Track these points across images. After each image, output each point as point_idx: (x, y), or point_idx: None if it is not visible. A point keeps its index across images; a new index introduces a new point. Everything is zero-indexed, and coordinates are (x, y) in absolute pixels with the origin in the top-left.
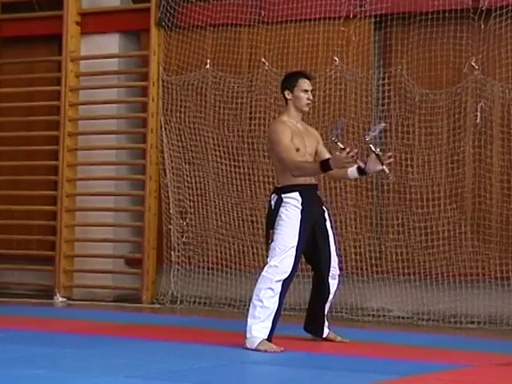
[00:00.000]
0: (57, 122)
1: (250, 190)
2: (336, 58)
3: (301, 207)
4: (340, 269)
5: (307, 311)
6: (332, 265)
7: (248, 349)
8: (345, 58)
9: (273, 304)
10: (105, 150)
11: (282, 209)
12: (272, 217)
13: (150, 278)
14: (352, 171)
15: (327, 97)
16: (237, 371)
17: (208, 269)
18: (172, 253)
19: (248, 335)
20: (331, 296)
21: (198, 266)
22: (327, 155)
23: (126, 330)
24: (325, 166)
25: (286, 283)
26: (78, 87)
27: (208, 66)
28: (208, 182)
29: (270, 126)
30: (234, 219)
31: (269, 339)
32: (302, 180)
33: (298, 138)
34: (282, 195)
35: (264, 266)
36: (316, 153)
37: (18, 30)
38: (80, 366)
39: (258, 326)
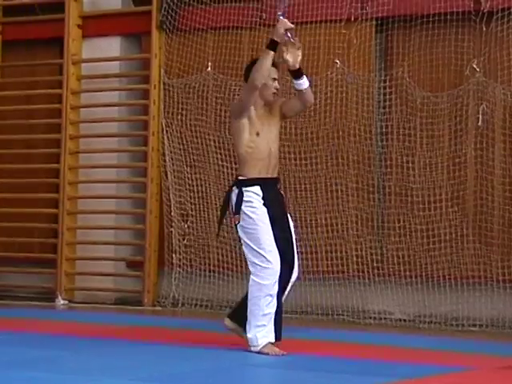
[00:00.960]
0: (58, 125)
1: None
2: (337, 61)
3: (263, 201)
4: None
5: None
6: (294, 268)
7: (251, 351)
8: (346, 61)
9: (272, 307)
10: (106, 153)
11: (245, 208)
12: (229, 209)
13: (152, 281)
14: (300, 84)
15: (328, 99)
16: (238, 374)
17: (209, 271)
18: (173, 255)
19: (254, 343)
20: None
21: (200, 269)
22: (293, 99)
23: (127, 332)
24: (270, 44)
25: (278, 281)
26: (79, 90)
27: (209, 68)
28: (209, 184)
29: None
30: None
31: (276, 339)
32: (263, 173)
33: (260, 122)
34: (243, 189)
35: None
36: (285, 110)
37: (20, 33)
38: (81, 368)
39: (263, 333)
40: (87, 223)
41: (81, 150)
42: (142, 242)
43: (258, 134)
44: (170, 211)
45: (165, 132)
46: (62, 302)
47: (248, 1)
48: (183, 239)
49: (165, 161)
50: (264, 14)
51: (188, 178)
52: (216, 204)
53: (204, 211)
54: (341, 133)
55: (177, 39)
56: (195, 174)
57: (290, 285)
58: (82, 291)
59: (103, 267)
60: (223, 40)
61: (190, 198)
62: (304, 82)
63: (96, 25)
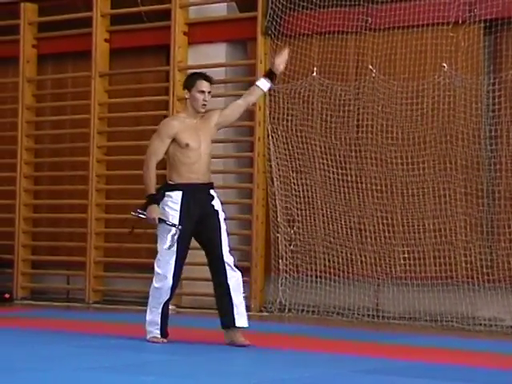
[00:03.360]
0: None
1: (358, 198)
2: (444, 64)
3: (179, 208)
4: (436, 278)
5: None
6: (225, 261)
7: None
8: (453, 64)
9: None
10: (212, 159)
11: (164, 209)
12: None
13: (258, 287)
14: (262, 83)
15: (436, 103)
16: (347, 380)
17: (316, 277)
18: (280, 261)
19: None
20: (234, 290)
21: (306, 275)
22: (232, 104)
23: None
24: (149, 200)
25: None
26: (185, 97)
27: (315, 73)
28: (315, 190)
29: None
30: (341, 227)
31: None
32: (192, 178)
33: (190, 134)
34: (166, 193)
35: (373, 275)
36: (221, 121)
37: (127, 41)
38: (191, 373)
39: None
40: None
41: None
42: (249, 247)
43: (187, 145)
44: (277, 217)
45: (270, 137)
46: (169, 306)
47: (353, 5)
48: (289, 245)
49: (271, 166)
50: (369, 19)
51: (294, 184)
52: (322, 209)
53: (310, 216)
54: (448, 137)
55: (282, 44)
56: (301, 179)
57: (232, 272)
58: (189, 296)
59: (210, 273)
60: (328, 45)
61: (296, 203)
62: (270, 86)
63: (202, 31)
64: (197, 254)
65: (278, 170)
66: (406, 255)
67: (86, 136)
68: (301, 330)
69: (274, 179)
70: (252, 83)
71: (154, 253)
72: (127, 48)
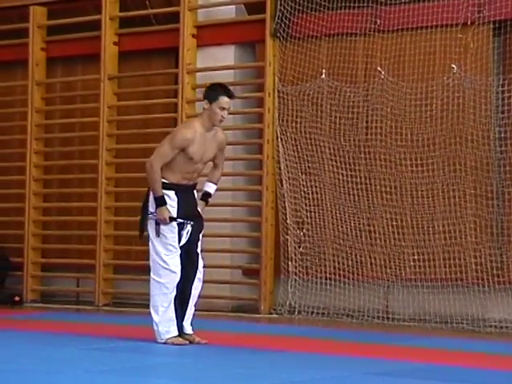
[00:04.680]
0: None
1: (367, 200)
2: (454, 66)
3: (176, 206)
4: (446, 279)
5: None
6: (199, 268)
7: None
8: (463, 66)
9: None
10: None
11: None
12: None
13: (268, 289)
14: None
15: (445, 105)
16: (358, 382)
17: (325, 279)
18: (289, 263)
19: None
20: (192, 299)
21: (316, 277)
22: (219, 162)
23: (244, 340)
24: (158, 201)
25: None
26: (194, 99)
27: (323, 75)
28: (325, 191)
29: (185, 121)
30: (351, 229)
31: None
32: (183, 182)
33: (198, 148)
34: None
35: (383, 277)
36: (214, 157)
37: (136, 44)
38: (200, 375)
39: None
40: (203, 231)
41: None
42: (258, 249)
43: (191, 159)
44: (286, 219)
45: (279, 140)
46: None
47: (362, 7)
48: (299, 247)
49: (280, 168)
50: (378, 20)
51: (303, 186)
52: (331, 211)
53: (319, 218)
54: (458, 138)
55: (291, 47)
56: (310, 181)
57: (198, 282)
58: (199, 299)
59: (219, 275)
60: (337, 47)
61: (306, 205)
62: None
63: (210, 34)
64: (207, 257)
65: (287, 171)
66: (416, 257)
67: (95, 139)
68: (311, 332)
69: (283, 181)
70: (260, 85)
71: None
72: (136, 51)
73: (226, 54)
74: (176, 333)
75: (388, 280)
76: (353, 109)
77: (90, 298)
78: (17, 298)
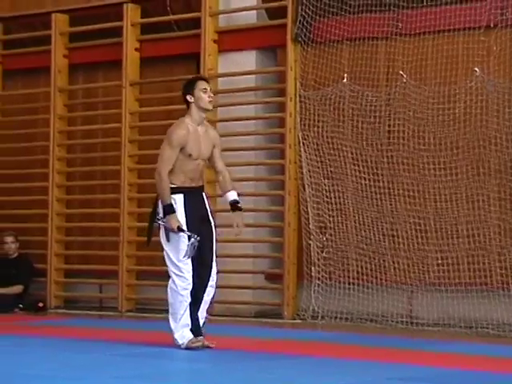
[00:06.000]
0: None
1: (390, 204)
2: (476, 69)
3: (184, 212)
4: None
5: None
6: (212, 274)
7: None
8: (485, 69)
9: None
10: (244, 166)
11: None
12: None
13: (291, 294)
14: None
15: (468, 108)
16: None
17: (349, 284)
18: (312, 268)
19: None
20: (205, 305)
21: (339, 281)
22: (219, 164)
23: (267, 345)
24: (167, 209)
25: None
26: (216, 104)
27: (345, 80)
28: (347, 196)
29: (173, 125)
30: (374, 233)
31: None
32: (188, 182)
33: (194, 144)
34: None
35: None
36: (211, 156)
37: (158, 50)
38: (222, 381)
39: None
40: (226, 237)
41: None
42: (281, 254)
43: (190, 156)
44: (308, 224)
45: (301, 144)
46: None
47: (383, 11)
48: (322, 251)
49: (302, 173)
50: (400, 24)
51: (326, 190)
52: (354, 216)
53: (342, 223)
54: (481, 142)
55: (312, 51)
56: (333, 185)
57: (211, 289)
58: (222, 304)
59: (242, 280)
60: (359, 51)
61: (328, 209)
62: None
63: (232, 39)
64: (229, 262)
65: (310, 176)
66: (440, 261)
67: (117, 145)
68: (334, 338)
69: (306, 186)
70: (282, 90)
71: None
72: (157, 57)
73: (248, 59)
74: (190, 336)
75: (412, 284)
76: (375, 113)
77: (113, 303)
78: (40, 304)
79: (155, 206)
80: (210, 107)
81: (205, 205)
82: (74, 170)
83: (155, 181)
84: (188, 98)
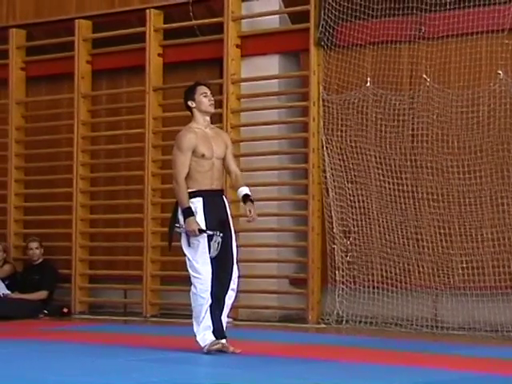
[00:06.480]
0: None
1: (414, 208)
2: (500, 72)
3: (203, 215)
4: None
5: None
6: (233, 278)
7: None
8: (509, 72)
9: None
10: (267, 171)
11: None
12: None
13: (315, 298)
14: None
15: (491, 111)
16: None
17: (373, 288)
18: (336, 272)
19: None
20: (227, 308)
21: (363, 286)
22: (232, 165)
23: (292, 350)
24: (185, 213)
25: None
26: (239, 109)
27: (368, 83)
28: (371, 200)
29: (179, 132)
30: (398, 237)
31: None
32: (207, 184)
33: (204, 144)
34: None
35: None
36: (224, 158)
37: (180, 55)
38: None
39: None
40: (250, 241)
41: (242, 168)
42: (305, 259)
43: (203, 156)
44: (332, 228)
45: (325, 148)
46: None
47: (406, 14)
48: (346, 256)
49: (326, 177)
50: (423, 27)
51: (349, 195)
52: (378, 220)
53: (366, 227)
54: (505, 145)
55: (335, 55)
56: (356, 189)
57: (232, 292)
58: (246, 309)
59: (267, 285)
60: (382, 55)
61: (352, 214)
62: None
63: (254, 44)
64: (254, 267)
65: (333, 180)
66: (465, 265)
67: (140, 150)
68: (359, 342)
69: (329, 190)
70: (305, 94)
71: None
72: (180, 62)
73: (271, 64)
74: (212, 338)
75: (436, 288)
76: (398, 117)
77: (138, 309)
78: (65, 310)
79: (175, 212)
80: (212, 110)
81: (225, 209)
82: (98, 175)
83: (173, 187)
84: (190, 103)
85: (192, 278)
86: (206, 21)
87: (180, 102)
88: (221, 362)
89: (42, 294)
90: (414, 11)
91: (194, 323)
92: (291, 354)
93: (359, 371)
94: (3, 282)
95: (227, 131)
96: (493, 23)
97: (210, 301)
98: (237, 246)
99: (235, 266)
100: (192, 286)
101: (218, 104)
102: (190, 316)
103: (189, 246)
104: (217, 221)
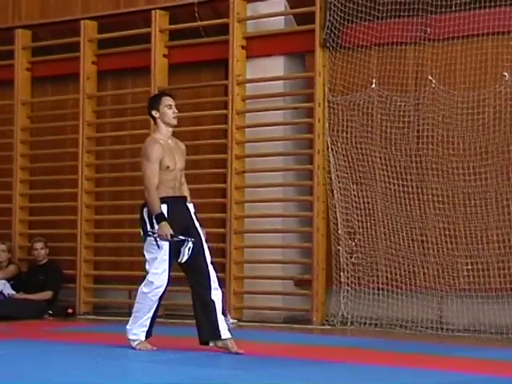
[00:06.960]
0: (224, 145)
1: (419, 210)
2: (505, 74)
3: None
4: None
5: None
6: (212, 278)
7: None
8: None
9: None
10: (272, 172)
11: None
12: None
13: (320, 300)
14: None
15: (497, 113)
16: None
17: (378, 289)
18: (341, 274)
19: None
20: (218, 305)
21: (368, 287)
22: (183, 177)
23: (297, 351)
24: (158, 218)
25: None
26: (244, 110)
27: (374, 85)
28: (376, 201)
29: (144, 143)
30: (403, 239)
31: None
32: (170, 192)
33: (168, 156)
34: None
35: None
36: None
37: (185, 56)
38: None
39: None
40: (254, 242)
41: (247, 169)
42: (310, 260)
43: (168, 168)
44: (337, 229)
45: (330, 150)
46: (230, 320)
47: (412, 16)
48: (351, 257)
49: (331, 179)
50: (428, 29)
51: (354, 196)
52: (383, 221)
53: (371, 228)
54: (511, 147)
55: (340, 57)
56: (361, 191)
57: (217, 291)
58: (251, 310)
59: (271, 286)
60: (387, 56)
61: (357, 215)
62: None
63: (260, 45)
64: (258, 268)
65: (338, 182)
66: (470, 267)
67: None
68: (364, 343)
69: (334, 191)
70: (310, 96)
71: (217, 266)
72: (186, 63)
73: (276, 65)
74: (143, 338)
75: (441, 290)
76: (403, 118)
77: None
78: (70, 311)
79: (142, 219)
80: (175, 122)
81: (189, 213)
82: (103, 175)
83: (145, 196)
84: (153, 113)
85: (147, 281)
86: (212, 22)
87: (185, 103)
88: (225, 363)
89: (46, 295)
90: (420, 12)
91: (132, 319)
92: (296, 356)
93: (364, 373)
94: (8, 282)
95: (232, 132)
96: (498, 25)
97: (157, 303)
98: (208, 248)
99: (211, 267)
100: (144, 287)
101: (224, 105)
102: (191, 316)
103: (158, 248)
104: (182, 226)
